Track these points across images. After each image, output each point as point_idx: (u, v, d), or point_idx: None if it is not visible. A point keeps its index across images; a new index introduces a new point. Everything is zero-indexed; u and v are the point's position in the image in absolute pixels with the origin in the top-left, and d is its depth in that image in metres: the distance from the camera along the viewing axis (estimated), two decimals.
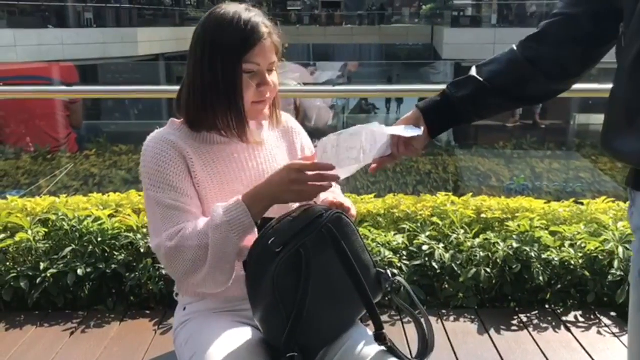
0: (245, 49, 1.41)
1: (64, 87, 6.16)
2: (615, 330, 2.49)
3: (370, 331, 1.45)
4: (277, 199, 1.35)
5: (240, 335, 1.43)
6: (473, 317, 2.60)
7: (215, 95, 1.44)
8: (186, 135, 1.49)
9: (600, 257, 2.65)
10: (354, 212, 1.52)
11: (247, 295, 1.36)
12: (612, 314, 2.61)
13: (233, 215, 1.33)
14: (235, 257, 1.36)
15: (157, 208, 1.41)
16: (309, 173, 1.31)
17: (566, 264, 2.65)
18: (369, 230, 2.78)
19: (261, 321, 1.35)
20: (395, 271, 1.44)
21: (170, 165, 1.42)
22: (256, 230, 1.36)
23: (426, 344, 1.40)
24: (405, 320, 2.53)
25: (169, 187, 1.41)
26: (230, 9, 1.45)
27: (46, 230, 2.78)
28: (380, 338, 1.35)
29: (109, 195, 3.08)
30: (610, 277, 2.61)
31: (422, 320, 1.40)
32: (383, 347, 1.37)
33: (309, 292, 1.26)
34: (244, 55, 1.41)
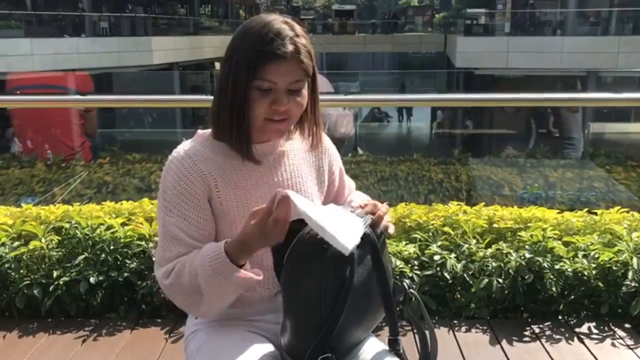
0: (257, 64, 1.34)
1: (79, 97, 6.22)
2: (630, 342, 2.46)
3: (381, 342, 1.45)
4: (257, 244, 1.30)
5: (252, 345, 1.43)
6: (485, 327, 2.58)
7: (224, 105, 1.41)
8: (211, 149, 1.46)
9: (614, 268, 2.62)
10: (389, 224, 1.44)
11: (282, 290, 1.34)
12: (627, 325, 2.58)
13: (218, 267, 1.30)
14: (232, 292, 1.36)
15: (162, 230, 1.42)
16: (276, 217, 1.25)
17: (579, 274, 2.63)
18: None
19: (293, 322, 1.33)
20: (409, 282, 1.43)
21: (189, 193, 1.40)
22: (248, 264, 1.34)
23: (427, 356, 1.40)
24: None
25: (180, 214, 1.40)
26: (265, 19, 1.38)
27: (59, 238, 2.80)
28: (394, 344, 1.36)
29: (121, 204, 3.11)
30: (624, 288, 2.58)
31: (427, 333, 1.40)
32: (397, 358, 1.37)
33: (350, 293, 1.26)
34: (256, 70, 1.34)
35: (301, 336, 1.32)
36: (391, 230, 1.41)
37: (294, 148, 1.55)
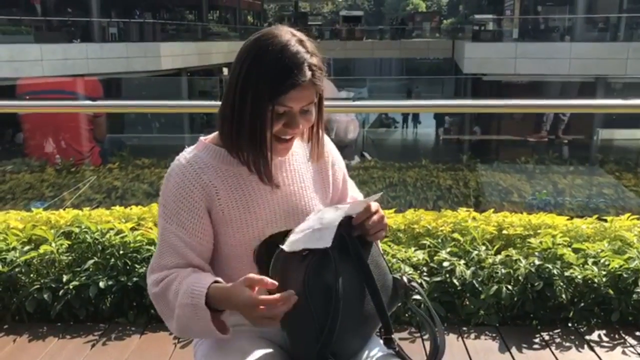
0: (279, 92, 1.35)
1: (88, 102, 6.26)
2: None
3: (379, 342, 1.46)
4: (240, 313, 1.29)
5: (261, 352, 1.42)
6: (494, 334, 2.57)
7: (239, 126, 1.40)
8: (213, 156, 1.46)
9: (625, 275, 2.60)
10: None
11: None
12: (637, 333, 2.57)
13: (196, 302, 1.30)
14: (201, 332, 1.37)
15: (160, 237, 1.44)
16: (264, 308, 1.23)
17: (589, 281, 2.61)
18: (389, 246, 2.77)
19: (291, 331, 1.33)
20: (409, 277, 1.44)
21: (189, 202, 1.41)
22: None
23: (437, 349, 1.40)
24: (426, 337, 2.51)
25: (179, 222, 1.41)
26: (278, 40, 1.37)
27: (69, 242, 2.81)
28: (389, 342, 1.38)
29: (131, 209, 3.12)
30: (635, 296, 2.56)
31: (436, 328, 1.41)
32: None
33: (341, 294, 1.26)
34: (277, 98, 1.35)
35: (301, 348, 1.32)
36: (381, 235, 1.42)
37: (296, 154, 1.56)
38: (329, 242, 1.27)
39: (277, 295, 1.22)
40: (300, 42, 1.38)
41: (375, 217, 1.39)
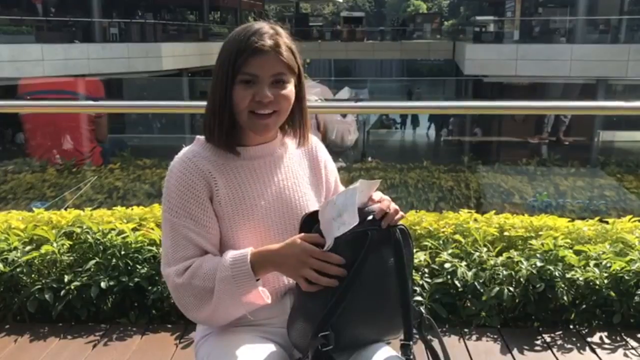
0: (237, 59, 1.40)
1: (90, 102, 6.27)
2: None
3: (392, 350, 1.45)
4: (280, 269, 1.38)
5: (262, 351, 1.43)
6: (496, 336, 2.57)
7: (214, 108, 1.46)
8: (211, 152, 1.50)
9: (626, 277, 2.60)
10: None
11: None
12: (639, 335, 2.56)
13: (237, 272, 1.35)
14: (239, 305, 1.39)
15: (171, 233, 1.45)
16: (317, 260, 1.31)
17: (591, 283, 2.61)
18: None
19: (308, 301, 1.36)
20: (424, 309, 1.45)
21: (193, 193, 1.44)
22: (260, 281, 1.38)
23: None
24: None
25: (186, 214, 1.43)
26: (250, 25, 1.45)
27: (71, 242, 2.81)
28: (405, 349, 1.38)
29: (132, 209, 3.12)
30: (636, 298, 2.56)
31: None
32: None
33: (359, 276, 1.30)
34: (237, 65, 1.40)
35: (313, 307, 1.34)
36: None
37: (290, 152, 1.60)
38: (355, 220, 1.28)
39: (336, 256, 1.28)
40: (270, 25, 1.45)
41: (386, 202, 1.40)
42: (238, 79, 1.41)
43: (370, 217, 1.34)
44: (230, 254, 1.38)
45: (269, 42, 1.40)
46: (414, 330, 1.41)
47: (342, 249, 1.30)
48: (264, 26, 1.43)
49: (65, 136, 7.99)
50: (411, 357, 1.38)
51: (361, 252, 1.30)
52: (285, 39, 1.45)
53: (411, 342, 1.38)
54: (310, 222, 1.40)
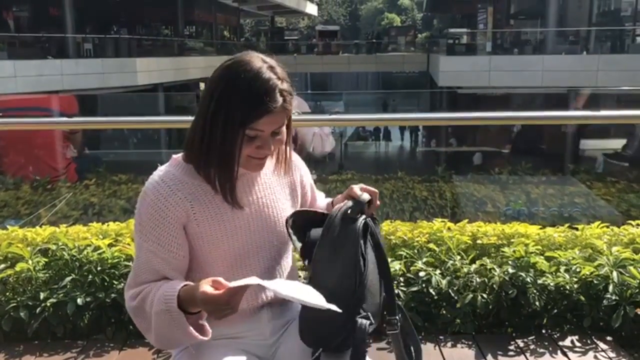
0: (251, 118, 1.40)
1: (64, 119, 6.22)
2: (612, 354, 2.50)
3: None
4: (202, 308, 1.35)
5: None
6: (470, 342, 2.61)
7: (208, 148, 1.45)
8: (186, 173, 1.50)
9: (595, 282, 2.67)
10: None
11: (315, 267, 1.45)
12: (608, 338, 2.63)
13: (169, 307, 1.35)
14: (180, 336, 1.37)
15: (137, 254, 1.48)
16: (224, 303, 1.29)
17: (562, 288, 2.67)
18: None
19: (334, 286, 1.40)
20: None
21: (164, 219, 1.45)
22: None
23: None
24: None
25: (154, 238, 1.45)
26: (250, 66, 1.42)
27: (46, 259, 2.80)
28: (392, 324, 1.49)
29: (108, 225, 3.11)
30: (605, 302, 2.62)
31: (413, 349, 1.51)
32: None
33: (384, 256, 1.49)
34: (249, 123, 1.41)
35: (342, 294, 1.37)
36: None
37: (267, 168, 1.61)
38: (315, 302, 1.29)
39: (222, 292, 1.27)
40: (272, 68, 1.44)
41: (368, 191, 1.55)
42: (247, 134, 1.42)
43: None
44: (167, 287, 1.38)
45: (280, 100, 1.41)
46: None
47: (342, 236, 1.44)
48: (271, 77, 1.42)
49: (39, 153, 7.90)
50: (398, 330, 1.49)
51: (367, 238, 1.47)
52: (286, 86, 1.45)
53: (397, 317, 1.48)
54: (296, 222, 1.54)
